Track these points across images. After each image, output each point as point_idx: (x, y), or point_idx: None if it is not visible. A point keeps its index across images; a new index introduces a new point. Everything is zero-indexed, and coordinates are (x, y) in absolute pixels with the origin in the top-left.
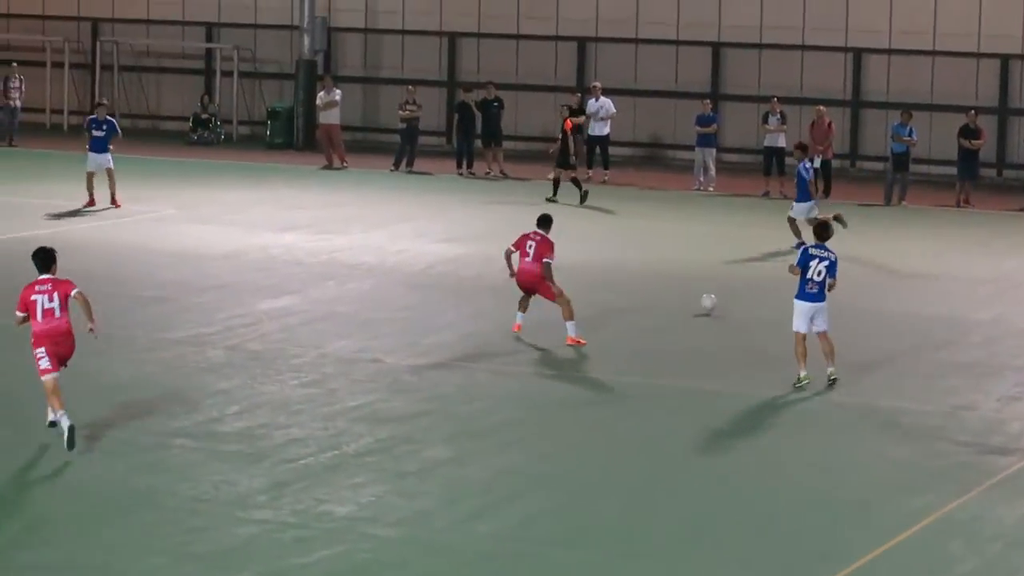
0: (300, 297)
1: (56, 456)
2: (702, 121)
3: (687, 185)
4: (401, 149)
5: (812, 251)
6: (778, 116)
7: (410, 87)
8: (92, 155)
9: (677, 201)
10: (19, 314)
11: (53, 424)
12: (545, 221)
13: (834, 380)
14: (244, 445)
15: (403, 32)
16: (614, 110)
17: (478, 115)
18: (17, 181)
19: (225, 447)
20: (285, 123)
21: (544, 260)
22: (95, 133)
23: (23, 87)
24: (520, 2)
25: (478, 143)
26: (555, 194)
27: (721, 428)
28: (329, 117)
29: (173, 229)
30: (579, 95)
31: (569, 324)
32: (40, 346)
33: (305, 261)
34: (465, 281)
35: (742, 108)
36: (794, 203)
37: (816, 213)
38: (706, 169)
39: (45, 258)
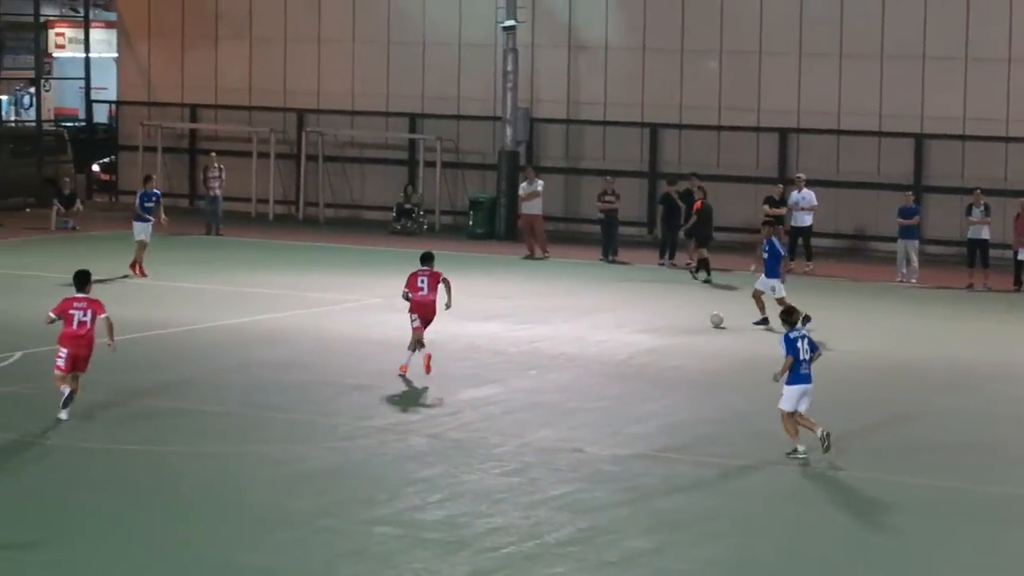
0: (502, 386)
1: (253, 541)
2: (904, 213)
3: (890, 277)
4: (605, 239)
5: (792, 335)
6: (982, 208)
7: (608, 178)
8: (142, 225)
9: (880, 293)
10: (52, 315)
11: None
12: (428, 258)
13: (828, 435)
14: (446, 533)
15: (604, 123)
16: (816, 201)
17: (682, 207)
18: (223, 270)
19: (427, 535)
20: (487, 213)
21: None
22: (146, 204)
23: (223, 176)
24: (721, 93)
25: (681, 234)
26: (708, 274)
27: (941, 525)
28: (531, 207)
29: (376, 318)
30: (781, 186)
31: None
32: (64, 347)
33: (507, 351)
34: (666, 372)
35: (945, 200)
36: (764, 276)
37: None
38: (909, 261)
39: (83, 279)
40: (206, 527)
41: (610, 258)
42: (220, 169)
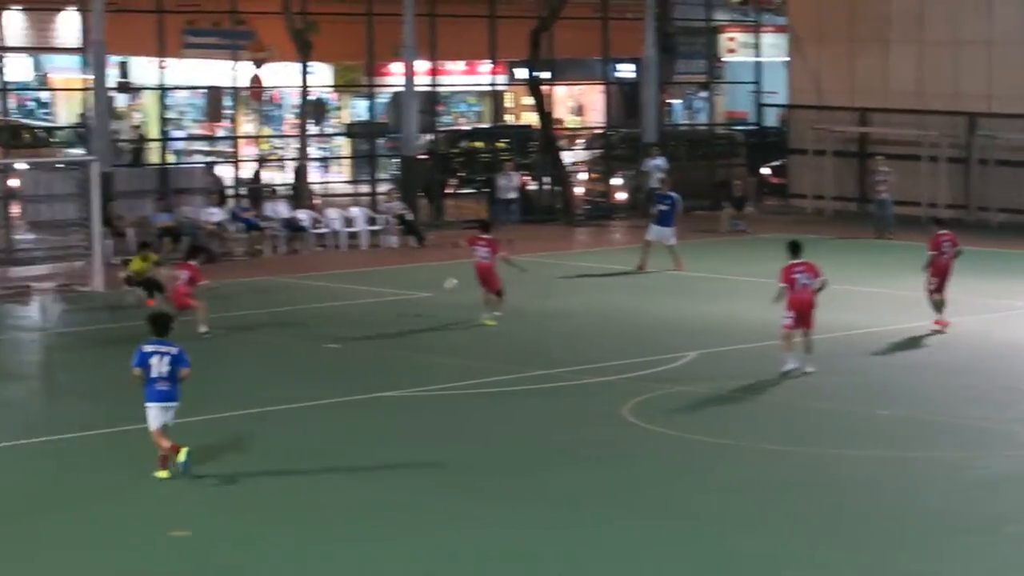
0: None
1: (924, 546)
2: None
3: None
4: None
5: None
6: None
7: None
8: (654, 227)
9: None
10: (782, 285)
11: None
12: (795, 247)
13: None
14: None
15: None
16: None
17: None
18: (892, 274)
19: None
20: None
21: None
22: (660, 207)
23: (889, 179)
24: None
25: None
26: None
27: None
28: None
29: None
30: None
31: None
32: (791, 309)
33: None
34: None
35: None
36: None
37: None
38: None
39: (797, 247)
40: (875, 530)
41: None
42: (886, 172)
